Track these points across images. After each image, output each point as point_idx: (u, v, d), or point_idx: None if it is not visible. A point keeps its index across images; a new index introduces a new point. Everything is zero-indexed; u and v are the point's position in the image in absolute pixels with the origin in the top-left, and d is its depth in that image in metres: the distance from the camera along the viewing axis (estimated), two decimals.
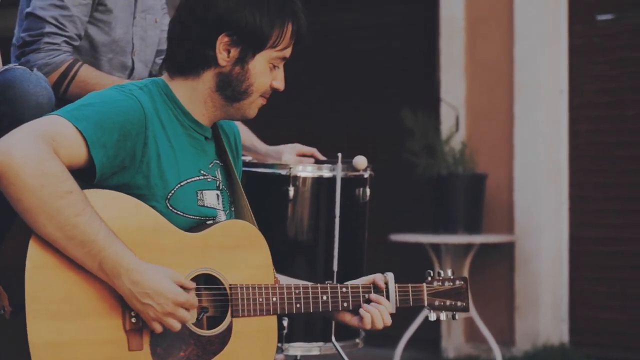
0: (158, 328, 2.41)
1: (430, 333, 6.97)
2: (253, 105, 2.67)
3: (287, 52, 2.66)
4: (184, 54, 2.62)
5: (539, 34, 6.73)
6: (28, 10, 3.35)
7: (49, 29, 3.30)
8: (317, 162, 3.70)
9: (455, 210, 6.58)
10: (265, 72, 2.63)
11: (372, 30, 7.84)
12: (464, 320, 6.87)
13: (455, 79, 7.08)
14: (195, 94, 2.63)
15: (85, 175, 2.43)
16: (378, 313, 2.73)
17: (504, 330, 6.74)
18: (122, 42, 3.48)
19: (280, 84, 2.68)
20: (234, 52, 2.60)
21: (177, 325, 2.41)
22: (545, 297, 6.64)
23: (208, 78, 2.62)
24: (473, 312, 6.38)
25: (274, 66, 2.65)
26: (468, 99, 7.04)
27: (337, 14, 7.98)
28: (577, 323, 6.68)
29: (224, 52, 2.60)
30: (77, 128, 2.39)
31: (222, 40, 2.59)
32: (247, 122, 3.84)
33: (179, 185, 2.57)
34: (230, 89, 2.62)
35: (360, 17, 7.88)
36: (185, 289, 2.43)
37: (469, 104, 7.03)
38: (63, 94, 3.31)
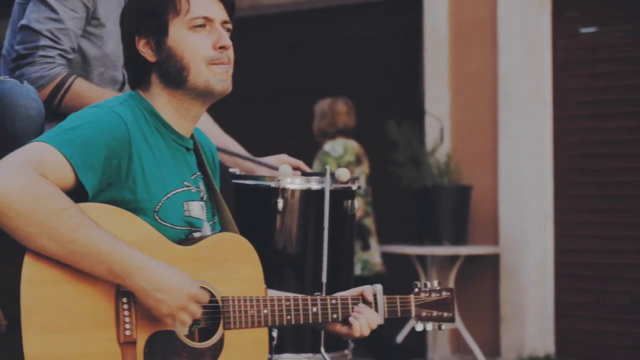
0: (170, 323, 2.43)
1: (417, 344, 6.99)
2: (206, 76, 2.61)
3: (201, 11, 2.61)
4: (130, 72, 2.69)
5: (523, 46, 6.78)
6: (23, 22, 3.35)
7: (43, 42, 3.31)
8: (304, 174, 3.70)
9: (440, 221, 6.61)
10: (189, 40, 2.60)
11: (356, 43, 7.87)
12: (450, 331, 6.90)
13: (440, 91, 7.11)
14: (159, 101, 2.64)
15: (75, 198, 2.43)
16: (365, 320, 2.77)
17: (489, 342, 6.76)
18: (113, 56, 3.48)
19: (221, 41, 2.62)
20: (151, 43, 2.62)
21: (188, 320, 2.44)
22: (530, 308, 6.67)
23: (155, 80, 2.65)
24: (459, 324, 6.41)
25: (196, 27, 2.61)
26: (452, 111, 7.07)
27: (322, 27, 8.01)
28: (562, 334, 6.71)
29: (146, 50, 2.63)
30: (62, 153, 2.39)
31: (138, 43, 2.63)
32: (234, 135, 3.87)
33: (165, 197, 2.57)
34: (170, 75, 2.62)
35: (345, 29, 7.92)
36: None
37: (454, 116, 7.07)
38: (57, 107, 3.31)
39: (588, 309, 6.63)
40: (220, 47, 2.62)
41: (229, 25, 2.68)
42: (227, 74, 2.64)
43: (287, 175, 3.56)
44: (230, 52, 2.66)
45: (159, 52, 2.61)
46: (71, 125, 2.47)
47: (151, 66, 2.63)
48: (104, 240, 2.35)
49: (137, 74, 2.67)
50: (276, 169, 3.61)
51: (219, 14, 2.65)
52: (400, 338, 6.38)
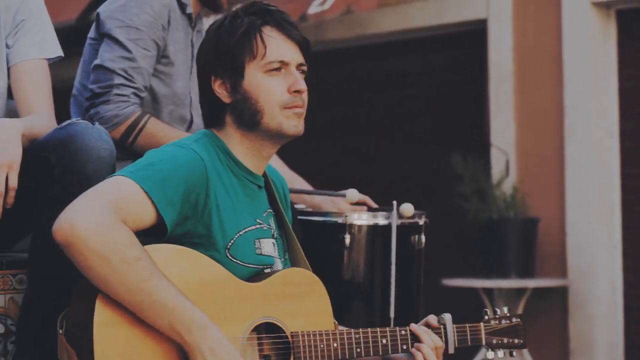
0: None
1: None
2: (279, 119, 2.64)
3: (277, 55, 2.65)
4: (205, 111, 2.74)
5: (589, 77, 6.73)
6: (97, 62, 3.41)
7: (118, 80, 3.36)
8: (370, 209, 3.71)
9: (507, 254, 6.57)
10: (265, 84, 2.64)
11: (420, 76, 7.88)
12: None
13: (505, 123, 7.08)
14: (233, 140, 2.68)
15: (154, 231, 2.48)
16: (428, 349, 2.76)
17: None
18: (182, 94, 3.53)
19: (297, 85, 2.65)
20: (227, 84, 2.66)
21: None
22: (600, 341, 6.60)
23: (229, 121, 2.68)
24: (527, 357, 6.35)
25: (272, 70, 2.64)
26: (518, 142, 7.04)
27: (386, 60, 8.03)
28: None
29: (221, 91, 2.67)
30: (143, 189, 2.43)
31: (214, 83, 2.67)
32: (298, 171, 3.89)
33: (238, 235, 2.61)
34: (245, 117, 2.65)
35: (409, 62, 7.93)
36: None
37: (519, 148, 7.03)
38: (130, 146, 3.36)
39: None
40: (295, 91, 2.65)
41: (304, 68, 2.71)
42: (300, 118, 2.68)
43: (354, 199, 3.58)
44: (305, 96, 2.68)
45: (234, 94, 2.65)
46: (150, 162, 2.51)
47: (226, 106, 2.67)
48: (171, 294, 2.38)
49: (212, 113, 2.71)
50: (343, 195, 3.63)
51: (295, 56, 2.68)
52: None
